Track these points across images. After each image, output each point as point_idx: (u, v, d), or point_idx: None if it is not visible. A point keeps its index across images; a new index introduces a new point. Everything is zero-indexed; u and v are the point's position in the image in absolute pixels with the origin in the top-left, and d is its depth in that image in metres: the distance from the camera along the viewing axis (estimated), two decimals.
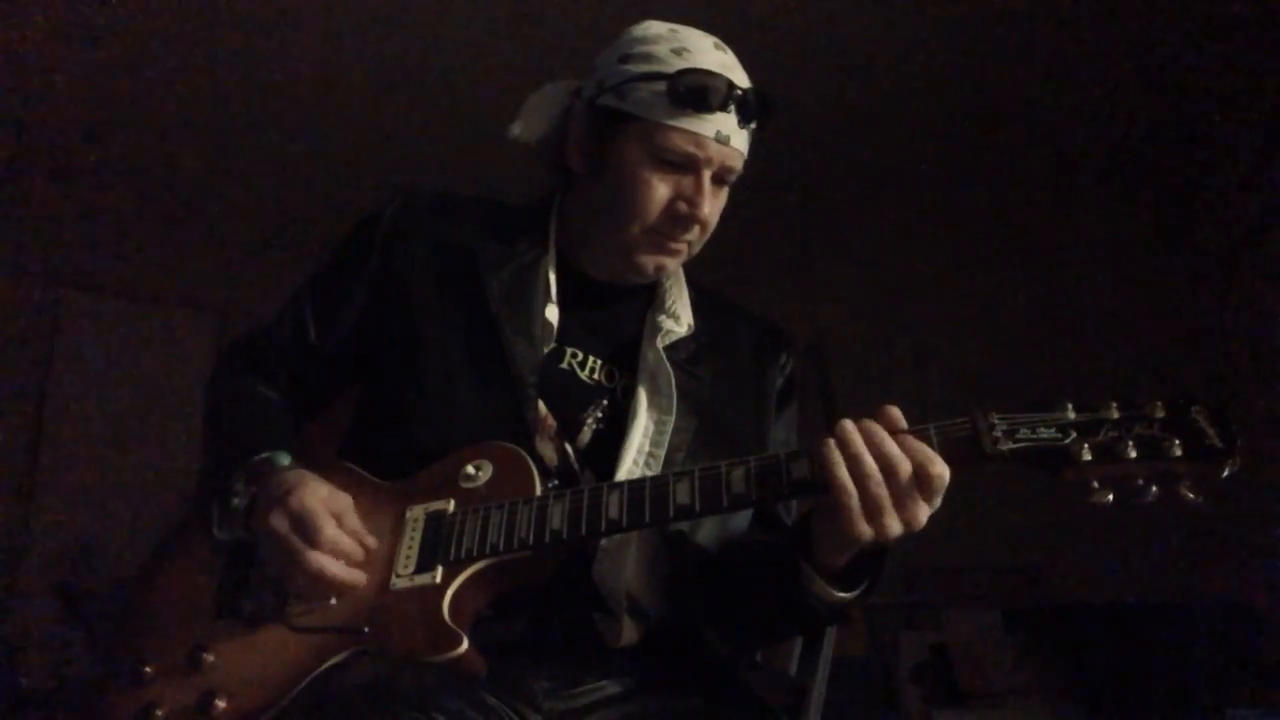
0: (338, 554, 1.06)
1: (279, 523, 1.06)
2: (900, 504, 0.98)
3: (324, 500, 1.08)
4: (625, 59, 1.23)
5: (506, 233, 1.30)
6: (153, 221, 5.30)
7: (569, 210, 1.33)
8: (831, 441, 1.00)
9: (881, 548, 1.04)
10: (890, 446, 0.98)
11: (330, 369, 1.32)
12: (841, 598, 1.08)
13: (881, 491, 0.97)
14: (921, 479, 0.98)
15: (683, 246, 1.26)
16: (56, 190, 5.00)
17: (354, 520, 1.10)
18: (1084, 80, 4.09)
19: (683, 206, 1.21)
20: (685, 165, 1.20)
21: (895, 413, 1.02)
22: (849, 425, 1.00)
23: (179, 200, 5.24)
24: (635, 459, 1.19)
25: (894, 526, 0.98)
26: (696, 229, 1.24)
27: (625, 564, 1.16)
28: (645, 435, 1.21)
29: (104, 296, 5.25)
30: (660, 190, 1.20)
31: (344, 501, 1.10)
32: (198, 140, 4.74)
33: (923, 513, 0.99)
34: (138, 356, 5.23)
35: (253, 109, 4.48)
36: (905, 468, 0.97)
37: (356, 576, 1.07)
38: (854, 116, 4.41)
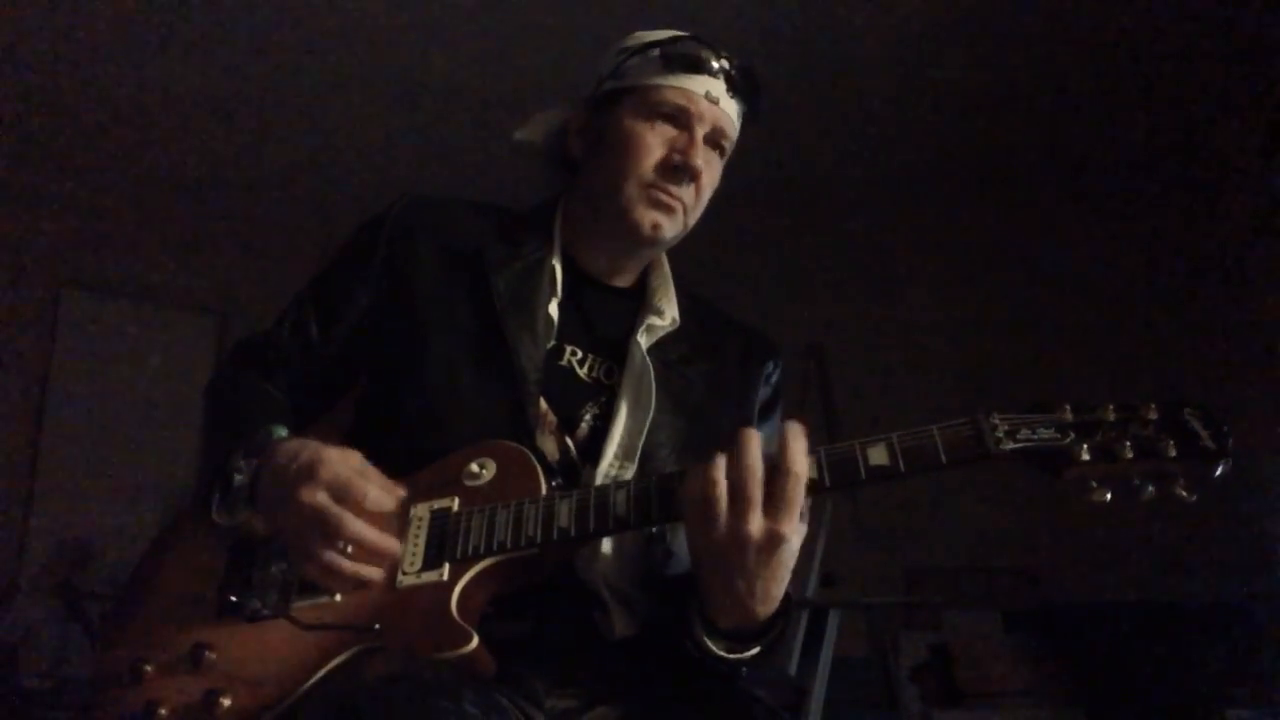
0: (379, 515, 1.06)
1: (317, 496, 1.05)
2: (732, 510, 0.98)
3: (348, 465, 1.08)
4: (620, 52, 1.31)
5: (512, 233, 1.32)
6: (153, 221, 5.30)
7: (572, 208, 1.36)
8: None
9: (780, 614, 1.06)
10: (748, 455, 1.00)
11: (332, 369, 1.32)
12: (724, 657, 1.08)
13: (715, 494, 0.98)
14: (770, 483, 0.99)
15: (677, 204, 1.28)
16: (56, 190, 5.00)
17: (377, 474, 1.10)
18: (1084, 81, 4.10)
19: (677, 157, 1.26)
20: (677, 117, 1.27)
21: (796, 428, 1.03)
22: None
23: (179, 200, 5.25)
24: (615, 453, 1.22)
25: (723, 534, 0.98)
26: (691, 187, 1.28)
27: (599, 558, 1.18)
28: (625, 430, 1.23)
29: (104, 296, 5.25)
30: (653, 143, 1.27)
31: (359, 457, 1.10)
32: (198, 141, 4.74)
33: (754, 523, 0.98)
34: (138, 356, 5.23)
35: (254, 110, 4.48)
36: (753, 476, 0.98)
37: (393, 543, 1.07)
38: (853, 118, 4.42)
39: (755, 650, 1.09)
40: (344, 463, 1.08)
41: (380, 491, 1.08)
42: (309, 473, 1.06)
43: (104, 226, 5.18)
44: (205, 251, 5.47)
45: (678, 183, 1.27)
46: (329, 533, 1.04)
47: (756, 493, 0.98)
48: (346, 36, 3.96)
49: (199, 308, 5.48)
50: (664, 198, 1.27)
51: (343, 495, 1.05)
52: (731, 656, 1.09)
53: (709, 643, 1.08)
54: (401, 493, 1.11)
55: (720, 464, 1.00)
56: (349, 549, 1.06)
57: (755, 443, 1.00)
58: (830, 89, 4.17)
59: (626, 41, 1.32)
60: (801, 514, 1.01)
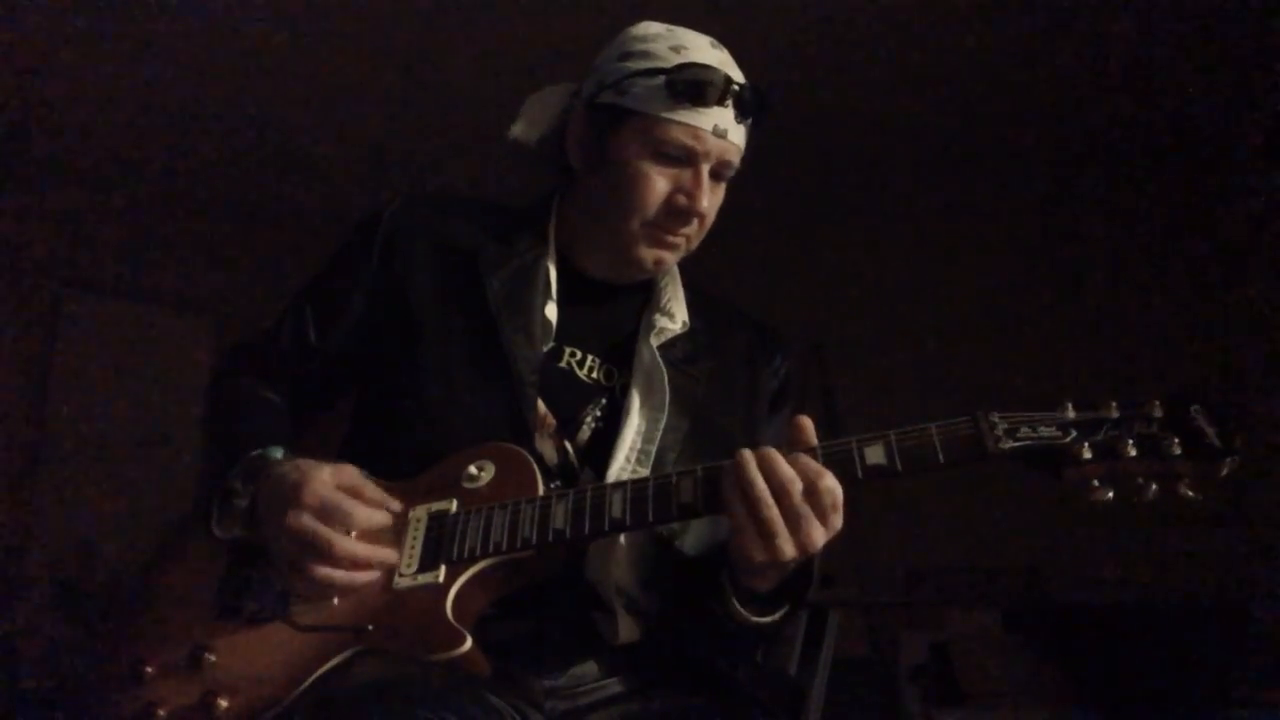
0: (371, 535, 1.07)
1: (302, 520, 1.04)
2: (793, 526, 0.99)
3: (336, 483, 1.08)
4: (624, 57, 1.25)
5: (506, 233, 1.31)
6: (153, 221, 5.30)
7: (568, 209, 1.34)
8: (725, 465, 1.02)
9: (806, 574, 1.07)
10: (782, 468, 0.99)
11: (331, 371, 1.32)
12: (755, 622, 1.09)
13: (772, 514, 0.98)
14: (812, 495, 0.99)
15: (680, 240, 1.27)
16: (56, 190, 5.00)
17: (372, 489, 1.10)
18: (1085, 81, 4.09)
19: (682, 200, 1.22)
20: (684, 158, 1.21)
21: (805, 424, 1.04)
22: (745, 453, 1.01)
23: (179, 200, 5.25)
24: (628, 456, 1.20)
25: (787, 549, 0.99)
26: (695, 223, 1.25)
27: (614, 561, 1.17)
28: (638, 433, 1.22)
29: (104, 296, 5.25)
30: (659, 184, 1.22)
31: (351, 474, 1.10)
32: (198, 141, 4.74)
33: (816, 533, 0.99)
34: (138, 356, 5.23)
35: (253, 110, 4.48)
36: (797, 488, 0.99)
37: (387, 554, 1.07)
38: (854, 116, 4.41)
39: (785, 609, 1.11)
40: (332, 482, 1.07)
41: (368, 510, 1.07)
42: (294, 497, 1.05)
43: (104, 228, 5.18)
44: (204, 253, 5.47)
45: (683, 224, 1.24)
46: (320, 554, 1.04)
47: (808, 508, 0.99)
48: (345, 37, 3.95)
49: (198, 309, 5.49)
50: (668, 238, 1.25)
51: (329, 517, 1.05)
52: (765, 620, 1.10)
53: (745, 612, 1.08)
54: (396, 505, 1.10)
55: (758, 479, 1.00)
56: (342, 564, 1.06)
57: (784, 466, 1.00)
58: (829, 89, 4.17)
59: (632, 45, 1.25)
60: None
